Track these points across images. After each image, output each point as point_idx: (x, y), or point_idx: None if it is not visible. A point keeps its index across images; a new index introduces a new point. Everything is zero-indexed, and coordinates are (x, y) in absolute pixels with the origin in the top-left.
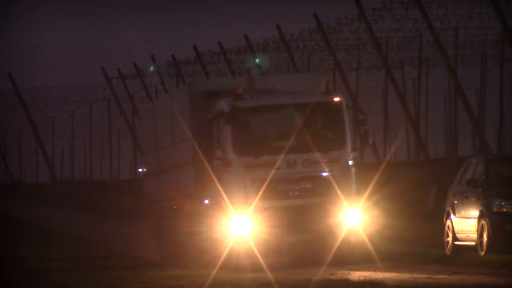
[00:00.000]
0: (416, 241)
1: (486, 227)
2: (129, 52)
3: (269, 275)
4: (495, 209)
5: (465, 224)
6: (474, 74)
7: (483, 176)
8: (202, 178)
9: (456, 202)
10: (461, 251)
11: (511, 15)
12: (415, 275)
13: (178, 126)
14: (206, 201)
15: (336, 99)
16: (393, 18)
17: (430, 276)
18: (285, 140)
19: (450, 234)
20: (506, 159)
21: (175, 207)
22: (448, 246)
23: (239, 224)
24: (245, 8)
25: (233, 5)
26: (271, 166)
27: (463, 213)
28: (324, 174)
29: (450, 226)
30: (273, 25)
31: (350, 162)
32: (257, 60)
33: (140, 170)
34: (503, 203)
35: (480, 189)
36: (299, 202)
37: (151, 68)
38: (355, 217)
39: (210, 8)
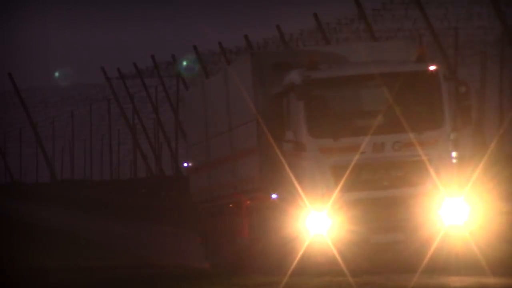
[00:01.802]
0: None
1: None
2: (129, 52)
3: (351, 280)
4: None
5: None
6: (474, 74)
7: None
8: (269, 168)
9: None
10: None
11: (511, 15)
12: None
13: (237, 107)
14: (274, 195)
15: (432, 68)
16: (393, 18)
17: None
18: (371, 119)
19: None
20: None
21: (231, 205)
22: None
23: (316, 221)
24: (245, 8)
25: (233, 5)
26: (354, 150)
27: None
28: (419, 159)
29: None
30: (273, 25)
31: (450, 145)
32: (184, 63)
33: (185, 165)
34: None
35: None
36: (388, 194)
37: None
38: (456, 211)
39: (210, 8)
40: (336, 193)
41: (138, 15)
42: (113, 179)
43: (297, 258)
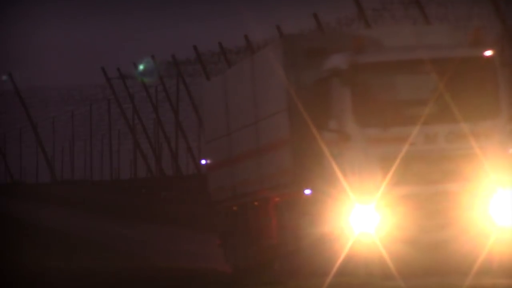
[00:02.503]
0: None
1: None
2: (129, 52)
3: (402, 284)
4: None
5: None
6: None
7: None
8: (303, 160)
9: None
10: None
11: (511, 15)
12: None
13: (266, 96)
14: (307, 191)
15: (488, 52)
16: (393, 18)
17: None
18: (422, 107)
19: None
20: None
21: (256, 203)
22: None
23: (361, 217)
24: (245, 8)
25: (233, 5)
26: (403, 141)
27: None
28: (473, 151)
29: None
30: (273, 25)
31: (507, 136)
32: (141, 67)
33: (204, 162)
34: None
35: None
36: (440, 189)
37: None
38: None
39: (210, 8)
40: (383, 187)
41: (138, 15)
42: (113, 179)
43: (340, 259)
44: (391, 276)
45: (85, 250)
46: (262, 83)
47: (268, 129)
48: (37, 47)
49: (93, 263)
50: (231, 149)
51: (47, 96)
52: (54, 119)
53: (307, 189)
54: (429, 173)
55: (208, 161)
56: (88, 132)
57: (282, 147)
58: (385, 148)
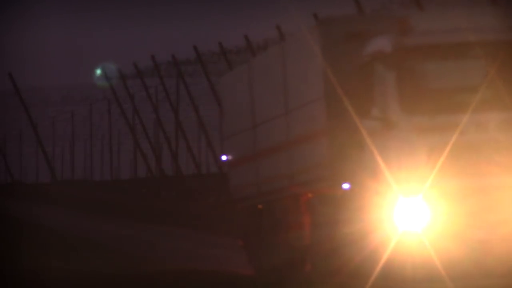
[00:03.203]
0: None
1: None
2: (129, 52)
3: (451, 287)
4: None
5: None
6: None
7: None
8: (341, 152)
9: None
10: None
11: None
12: None
13: (299, 85)
14: (345, 185)
15: None
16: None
17: None
18: (473, 93)
19: None
20: None
21: (285, 200)
22: None
23: (407, 214)
24: (245, 8)
25: (233, 5)
26: (453, 130)
27: None
28: None
29: None
30: (273, 25)
31: None
32: (98, 71)
33: (224, 158)
34: None
35: None
36: (493, 182)
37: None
38: None
39: (210, 8)
40: (430, 180)
41: (138, 15)
42: (113, 179)
43: (382, 259)
44: (439, 278)
45: (85, 250)
46: (294, 70)
47: (301, 119)
48: (37, 47)
49: (93, 263)
50: (256, 143)
51: (47, 96)
52: (54, 119)
53: (345, 183)
54: (480, 165)
55: (229, 157)
56: (88, 132)
57: (317, 138)
58: (432, 137)
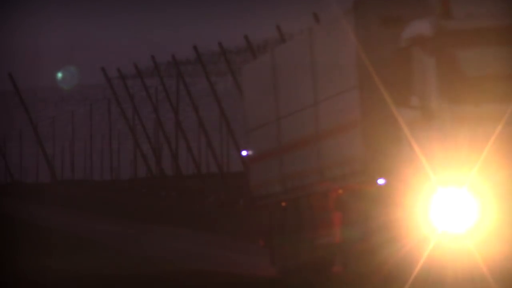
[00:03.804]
0: None
1: None
2: (129, 52)
3: None
4: None
5: None
6: None
7: None
8: (376, 145)
9: None
10: None
11: None
12: None
13: (330, 74)
14: (381, 180)
15: None
16: None
17: None
18: None
19: None
20: None
21: (313, 197)
22: None
23: (448, 211)
24: (245, 8)
25: (233, 5)
26: (497, 119)
27: None
28: None
29: None
30: (273, 25)
31: None
32: (59, 75)
33: (245, 153)
34: None
35: None
36: None
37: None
38: None
39: (210, 8)
40: (474, 173)
41: (138, 15)
42: (113, 179)
43: (421, 262)
44: (484, 283)
45: (86, 250)
46: (324, 58)
47: (332, 110)
48: (37, 47)
49: (93, 263)
50: (280, 137)
51: (47, 96)
52: (54, 119)
53: (380, 178)
54: None
55: (250, 152)
56: (88, 132)
57: (349, 130)
58: (476, 127)
